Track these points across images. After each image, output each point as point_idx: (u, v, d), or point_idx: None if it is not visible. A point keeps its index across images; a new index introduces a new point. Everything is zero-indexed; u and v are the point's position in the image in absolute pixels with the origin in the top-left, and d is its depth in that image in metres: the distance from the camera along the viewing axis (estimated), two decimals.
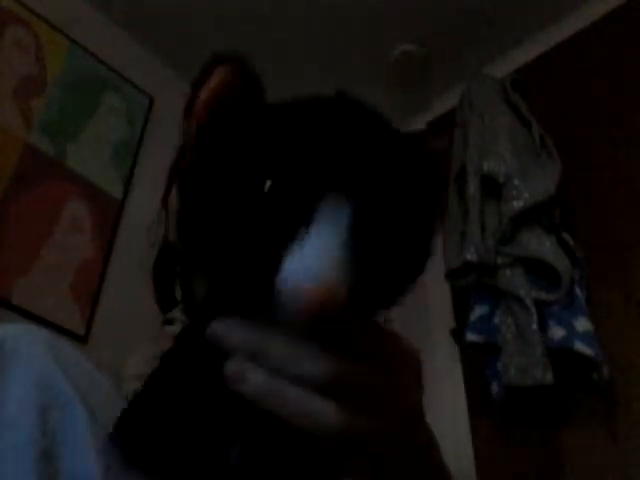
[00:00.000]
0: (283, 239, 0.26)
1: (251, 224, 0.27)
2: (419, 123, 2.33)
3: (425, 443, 0.36)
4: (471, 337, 1.58)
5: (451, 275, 1.67)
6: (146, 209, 2.10)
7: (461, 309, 1.73)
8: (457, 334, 1.74)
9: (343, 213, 0.26)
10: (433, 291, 1.92)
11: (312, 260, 0.25)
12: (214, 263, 0.30)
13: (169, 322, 0.89)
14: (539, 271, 1.52)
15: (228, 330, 0.31)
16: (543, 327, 1.45)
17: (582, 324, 1.43)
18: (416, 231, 0.32)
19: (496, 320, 1.55)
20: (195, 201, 0.30)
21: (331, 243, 0.26)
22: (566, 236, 1.57)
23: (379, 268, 0.29)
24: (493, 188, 1.64)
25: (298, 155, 0.28)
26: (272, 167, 0.28)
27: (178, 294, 0.95)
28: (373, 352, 0.31)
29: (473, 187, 1.66)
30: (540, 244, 1.53)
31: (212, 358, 0.31)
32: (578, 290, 1.50)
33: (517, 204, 1.56)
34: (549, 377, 1.38)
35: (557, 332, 1.44)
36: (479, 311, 1.60)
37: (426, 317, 1.90)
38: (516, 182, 1.59)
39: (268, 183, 0.27)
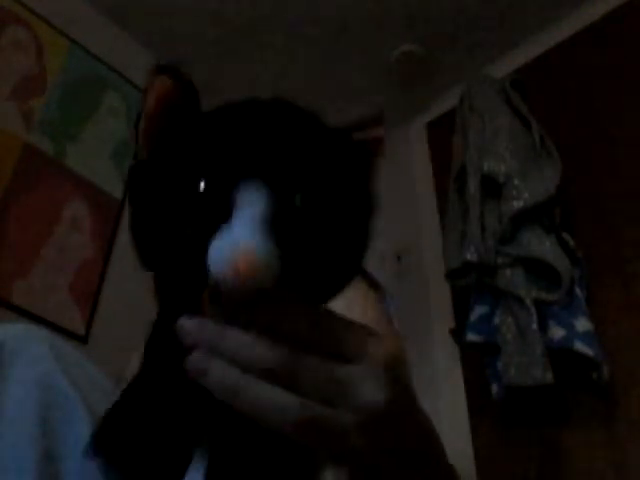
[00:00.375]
0: (210, 228, 0.29)
1: (185, 220, 0.31)
2: (419, 123, 2.33)
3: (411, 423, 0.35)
4: (471, 337, 1.58)
5: (451, 275, 1.68)
6: None
7: (461, 309, 1.73)
8: (457, 334, 1.74)
9: (259, 197, 0.30)
10: (433, 291, 1.92)
11: (233, 236, 0.29)
12: (156, 258, 0.33)
13: None
14: (539, 271, 1.52)
15: (186, 327, 0.32)
16: (543, 327, 1.45)
17: (582, 324, 1.43)
18: (341, 215, 0.33)
19: (496, 320, 1.55)
20: (141, 204, 0.33)
21: (248, 222, 0.29)
22: (566, 236, 1.57)
23: (306, 248, 0.31)
24: (493, 188, 1.64)
25: (220, 151, 0.31)
26: (200, 166, 0.31)
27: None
28: (317, 336, 0.32)
29: (473, 187, 1.66)
30: (540, 244, 1.53)
31: (179, 355, 0.32)
32: (578, 290, 1.50)
33: (517, 204, 1.56)
34: (549, 377, 1.38)
35: (557, 332, 1.44)
36: (479, 311, 1.60)
37: (426, 317, 1.90)
38: (516, 182, 1.59)
39: (202, 184, 0.30)
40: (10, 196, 1.62)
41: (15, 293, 1.52)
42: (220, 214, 0.30)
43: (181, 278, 0.32)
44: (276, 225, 0.29)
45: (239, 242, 0.29)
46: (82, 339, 1.59)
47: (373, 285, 0.85)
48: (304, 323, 0.32)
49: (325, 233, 0.32)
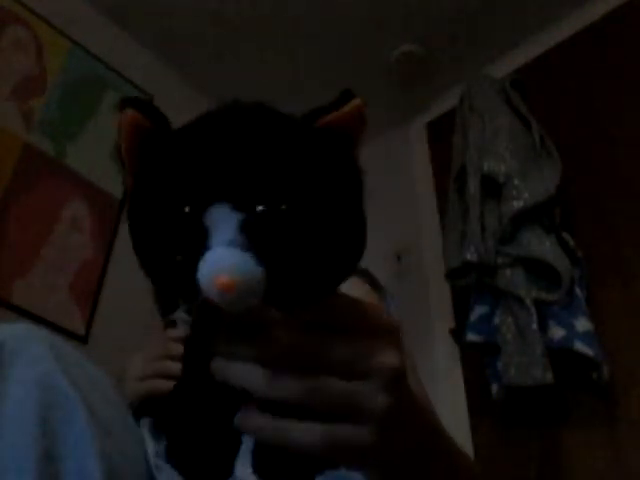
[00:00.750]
0: (195, 251, 0.31)
1: (171, 246, 0.32)
2: (419, 123, 2.33)
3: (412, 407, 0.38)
4: (471, 337, 1.58)
5: (451, 275, 1.68)
6: None
7: (461, 309, 1.73)
8: (457, 334, 1.74)
9: (231, 217, 0.31)
10: (433, 291, 1.92)
11: (213, 258, 0.30)
12: (154, 276, 0.36)
13: (171, 324, 0.89)
14: (539, 271, 1.52)
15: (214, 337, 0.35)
16: (543, 327, 1.45)
17: (582, 324, 1.43)
18: (323, 213, 0.32)
19: (496, 320, 1.55)
20: (134, 230, 0.35)
21: (225, 243, 0.30)
22: (566, 236, 1.57)
23: (286, 256, 0.32)
24: (493, 188, 1.64)
25: (189, 175, 0.32)
26: (174, 192, 0.32)
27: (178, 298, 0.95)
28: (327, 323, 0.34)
29: (473, 187, 1.66)
30: (540, 244, 1.53)
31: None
32: (578, 290, 1.50)
33: (517, 204, 1.56)
34: (549, 377, 1.38)
35: (557, 332, 1.44)
36: (479, 311, 1.60)
37: (426, 317, 1.90)
38: (516, 182, 1.59)
39: (185, 209, 0.31)
40: (10, 196, 1.62)
41: (15, 293, 1.52)
42: (200, 238, 0.31)
43: (179, 297, 0.34)
44: (252, 239, 0.30)
45: (218, 264, 0.30)
46: (82, 339, 1.59)
47: (374, 285, 0.85)
48: (307, 343, 0.33)
49: (306, 237, 0.32)
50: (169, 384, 0.69)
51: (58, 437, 0.50)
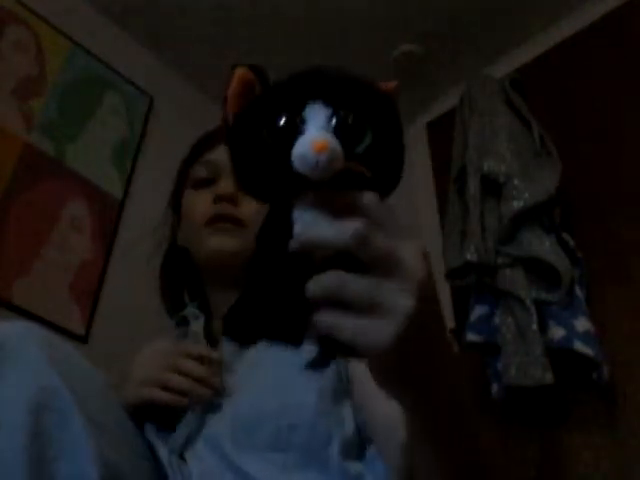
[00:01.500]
0: (291, 136, 0.41)
1: (275, 141, 0.42)
2: (419, 123, 2.33)
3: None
4: (471, 337, 1.58)
5: (451, 275, 1.67)
6: (146, 209, 2.10)
7: (461, 309, 1.73)
8: (457, 334, 1.73)
9: (323, 111, 0.41)
10: None
11: (308, 135, 0.40)
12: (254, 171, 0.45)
13: (183, 321, 0.89)
14: (539, 271, 1.52)
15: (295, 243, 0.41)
16: (543, 327, 1.45)
17: (582, 324, 1.43)
18: (384, 131, 0.44)
19: (496, 320, 1.55)
20: (240, 142, 0.45)
21: (317, 127, 0.41)
22: (566, 236, 1.57)
23: (360, 148, 0.42)
24: (493, 188, 1.64)
25: (289, 89, 0.44)
26: (278, 105, 0.43)
27: (185, 296, 0.95)
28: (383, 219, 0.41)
29: (473, 187, 1.66)
30: (540, 244, 1.53)
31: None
32: (578, 290, 1.50)
33: (517, 204, 1.56)
34: (549, 377, 1.38)
35: (557, 332, 1.44)
36: (479, 311, 1.60)
37: None
38: (516, 182, 1.59)
39: (283, 119, 0.42)
40: (10, 196, 1.62)
41: (15, 293, 1.52)
42: (296, 129, 0.41)
43: (274, 178, 0.42)
44: (337, 129, 0.41)
45: (314, 136, 0.40)
46: (82, 339, 1.59)
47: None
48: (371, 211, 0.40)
49: (373, 141, 0.43)
50: (168, 396, 0.70)
51: (51, 439, 0.49)
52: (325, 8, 2.01)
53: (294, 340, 0.60)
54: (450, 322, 1.82)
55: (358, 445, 0.68)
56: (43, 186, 1.70)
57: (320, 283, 0.39)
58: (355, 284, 0.38)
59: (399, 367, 0.41)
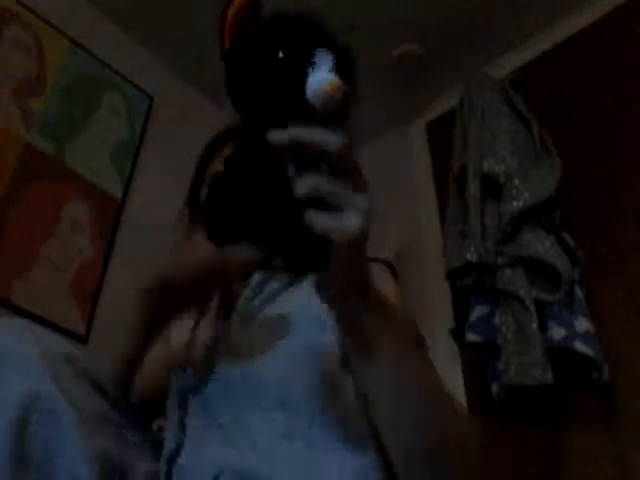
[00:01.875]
0: (302, 72, 0.49)
1: (281, 69, 0.50)
2: (419, 123, 2.33)
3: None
4: (471, 337, 1.58)
5: (451, 275, 1.68)
6: (146, 209, 2.10)
7: (461, 309, 1.73)
8: (457, 334, 1.73)
9: (330, 57, 0.50)
10: (433, 291, 1.92)
11: (321, 75, 0.48)
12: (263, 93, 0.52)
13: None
14: (539, 271, 1.52)
15: (278, 134, 0.45)
16: (543, 327, 1.45)
17: (582, 324, 1.43)
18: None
19: (496, 320, 1.55)
20: (244, 73, 0.52)
21: (327, 69, 0.48)
22: (566, 236, 1.57)
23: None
24: (493, 188, 1.64)
25: (298, 34, 0.53)
26: (284, 44, 0.52)
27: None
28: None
29: (473, 187, 1.66)
30: (540, 244, 1.53)
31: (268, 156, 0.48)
32: (578, 290, 1.50)
33: (517, 204, 1.56)
34: (549, 377, 1.38)
35: (557, 332, 1.44)
36: (479, 311, 1.60)
37: (426, 317, 1.89)
38: (516, 182, 1.59)
39: (280, 53, 0.50)
40: (10, 196, 1.62)
41: (15, 293, 1.52)
42: (306, 66, 0.49)
43: (281, 98, 0.50)
44: (340, 70, 0.49)
45: (328, 77, 0.48)
46: (82, 339, 1.59)
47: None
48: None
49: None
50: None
51: (37, 441, 0.49)
52: (325, 8, 2.01)
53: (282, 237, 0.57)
54: (450, 322, 1.82)
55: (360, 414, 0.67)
56: (43, 186, 1.70)
57: (307, 183, 0.44)
58: (332, 185, 0.45)
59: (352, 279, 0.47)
